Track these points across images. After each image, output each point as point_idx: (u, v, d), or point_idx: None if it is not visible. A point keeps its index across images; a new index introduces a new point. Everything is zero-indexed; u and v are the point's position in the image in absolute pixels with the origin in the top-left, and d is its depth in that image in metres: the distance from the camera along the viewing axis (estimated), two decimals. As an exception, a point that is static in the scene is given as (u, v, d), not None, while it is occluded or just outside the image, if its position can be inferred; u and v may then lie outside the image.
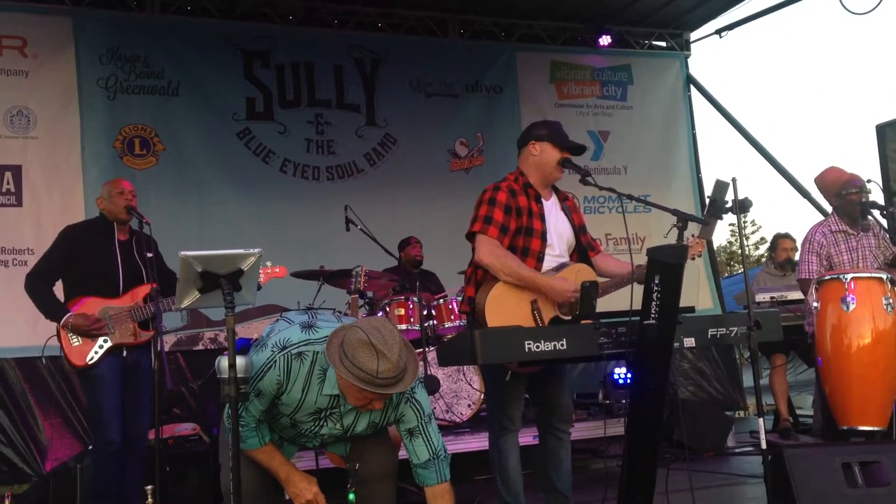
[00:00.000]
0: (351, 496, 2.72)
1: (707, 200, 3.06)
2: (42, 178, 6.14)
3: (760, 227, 43.72)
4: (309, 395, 2.57)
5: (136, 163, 6.48)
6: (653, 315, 2.86)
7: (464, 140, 7.58)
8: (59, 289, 4.23)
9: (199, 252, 2.47)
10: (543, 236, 3.43)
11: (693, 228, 3.20)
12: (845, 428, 3.80)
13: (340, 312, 5.32)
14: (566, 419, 3.60)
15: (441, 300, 5.62)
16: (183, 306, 2.54)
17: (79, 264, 4.15)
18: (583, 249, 3.58)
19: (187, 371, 6.34)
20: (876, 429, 3.72)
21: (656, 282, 2.83)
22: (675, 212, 2.91)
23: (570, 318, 3.29)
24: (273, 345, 2.58)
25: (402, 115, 7.36)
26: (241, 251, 2.52)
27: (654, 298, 2.84)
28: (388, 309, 5.56)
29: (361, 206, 5.88)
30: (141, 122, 6.55)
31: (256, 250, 2.55)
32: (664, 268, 2.81)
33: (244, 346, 4.79)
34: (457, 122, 7.58)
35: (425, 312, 5.47)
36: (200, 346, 6.44)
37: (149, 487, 2.39)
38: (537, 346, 2.88)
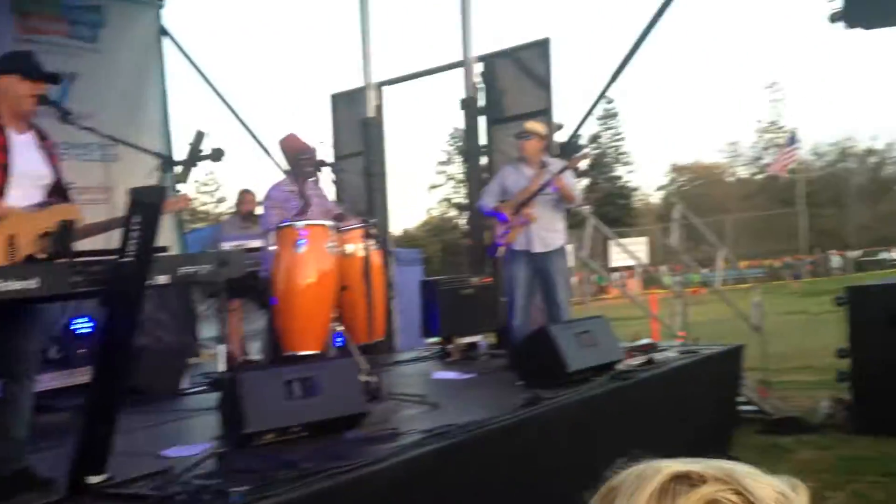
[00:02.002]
0: None
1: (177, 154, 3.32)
2: None
3: (221, 185, 45.72)
4: None
5: None
6: (131, 253, 3.01)
7: None
8: None
9: None
10: (5, 169, 3.28)
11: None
12: (290, 354, 4.52)
13: None
14: (33, 366, 3.49)
15: None
16: None
17: None
18: (64, 193, 3.52)
19: None
20: (314, 352, 4.52)
21: (137, 220, 2.99)
22: (159, 154, 3.12)
23: (45, 256, 3.21)
24: None
25: None
26: None
27: (134, 237, 3.00)
28: None
29: None
30: None
31: None
32: (145, 207, 2.99)
33: None
34: None
35: None
36: None
37: None
38: (6, 285, 2.79)
